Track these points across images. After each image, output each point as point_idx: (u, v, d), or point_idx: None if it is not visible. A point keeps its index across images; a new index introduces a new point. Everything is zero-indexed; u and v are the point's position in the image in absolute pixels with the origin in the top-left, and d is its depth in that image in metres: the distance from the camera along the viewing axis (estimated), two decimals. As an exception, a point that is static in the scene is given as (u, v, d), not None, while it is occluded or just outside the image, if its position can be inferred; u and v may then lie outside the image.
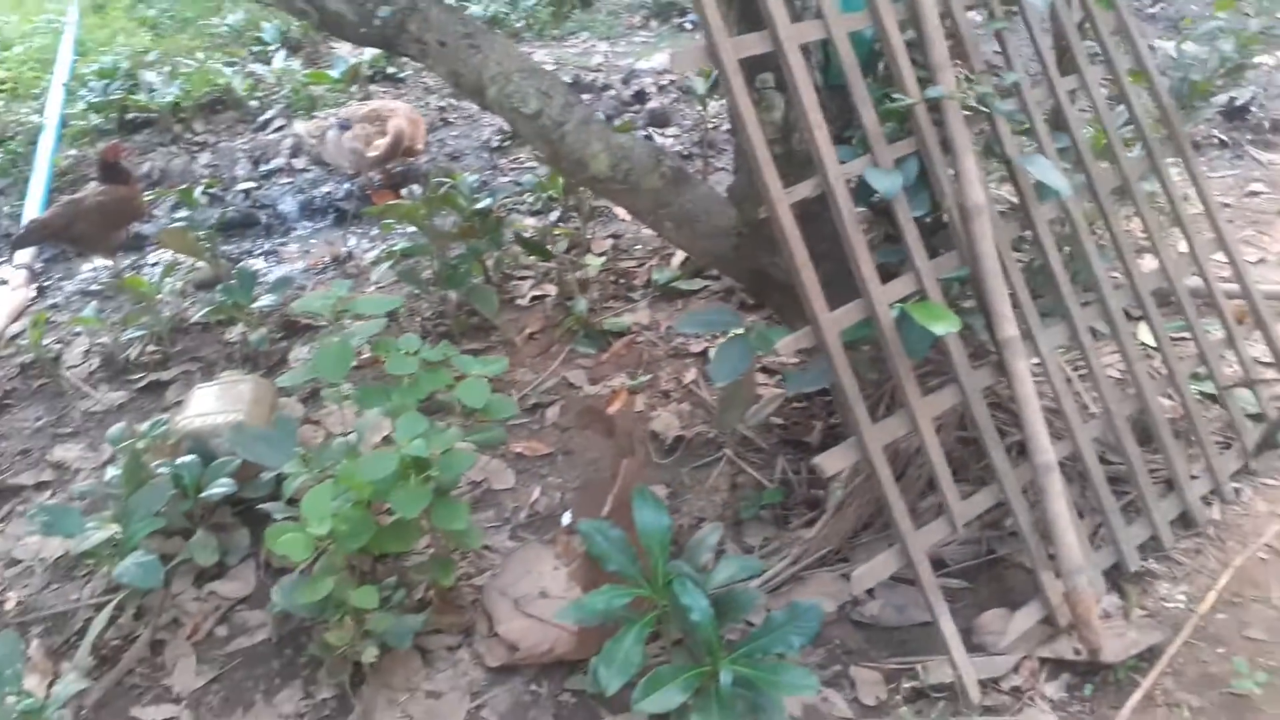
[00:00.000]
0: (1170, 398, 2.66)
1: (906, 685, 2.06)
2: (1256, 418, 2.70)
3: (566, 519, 2.52)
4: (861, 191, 2.22)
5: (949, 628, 2.02)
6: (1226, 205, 3.93)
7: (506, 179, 4.67)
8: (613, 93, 5.57)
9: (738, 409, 2.54)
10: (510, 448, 2.80)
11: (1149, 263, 2.68)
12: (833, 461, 2.06)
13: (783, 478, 2.64)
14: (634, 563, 2.02)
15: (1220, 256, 2.76)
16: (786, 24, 2.11)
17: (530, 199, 4.24)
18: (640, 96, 5.47)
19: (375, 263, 3.82)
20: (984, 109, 2.28)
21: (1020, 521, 2.15)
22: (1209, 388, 2.70)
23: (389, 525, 2.10)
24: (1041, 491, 2.09)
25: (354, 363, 2.27)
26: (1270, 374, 2.81)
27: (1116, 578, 2.27)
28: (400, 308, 2.88)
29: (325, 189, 4.86)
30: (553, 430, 2.91)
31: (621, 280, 3.68)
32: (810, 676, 1.83)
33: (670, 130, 5.14)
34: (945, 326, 2.01)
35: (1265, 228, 3.76)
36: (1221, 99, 4.93)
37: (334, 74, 5.97)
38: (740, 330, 2.27)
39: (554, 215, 4.10)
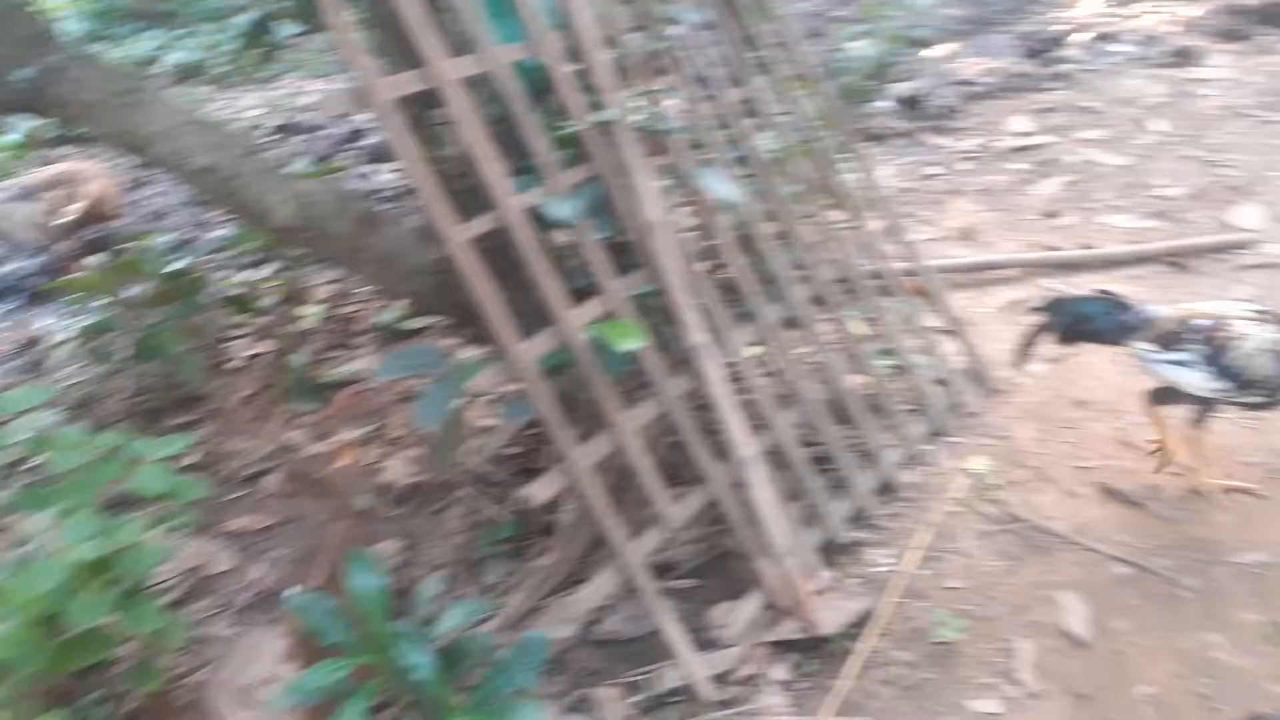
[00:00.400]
0: (865, 375, 2.88)
1: (644, 696, 2.10)
2: (941, 383, 2.97)
3: (290, 594, 2.38)
4: (545, 219, 2.24)
5: (673, 632, 2.07)
6: (908, 190, 4.31)
7: (215, 234, 4.40)
8: (326, 132, 5.39)
9: (453, 448, 2.50)
10: (224, 526, 2.62)
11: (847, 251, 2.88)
12: (542, 489, 2.07)
13: (519, 509, 2.62)
14: (351, 631, 1.93)
15: (911, 238, 3.03)
16: (443, 60, 2.09)
17: (238, 253, 4.00)
18: (356, 134, 5.32)
19: (63, 344, 3.48)
20: (653, 129, 2.36)
21: (731, 515, 2.24)
22: (901, 360, 2.94)
23: (72, 639, 1.90)
24: (746, 484, 2.20)
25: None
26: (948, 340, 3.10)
27: (830, 552, 2.42)
28: (55, 396, 2.63)
29: (10, 266, 4.40)
30: (273, 500, 2.75)
31: (345, 327, 3.55)
32: (538, 710, 1.82)
33: (391, 166, 5.02)
34: (632, 343, 2.07)
35: (940, 207, 4.15)
36: (902, 90, 5.43)
37: (12, 138, 5.42)
38: (445, 368, 2.23)
39: (268, 268, 3.90)
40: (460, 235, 2.05)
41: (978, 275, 3.58)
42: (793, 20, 2.98)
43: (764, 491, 2.19)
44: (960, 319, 3.10)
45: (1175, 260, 3.55)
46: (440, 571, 2.33)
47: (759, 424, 2.37)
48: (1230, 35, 5.77)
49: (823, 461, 2.55)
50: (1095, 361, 3.06)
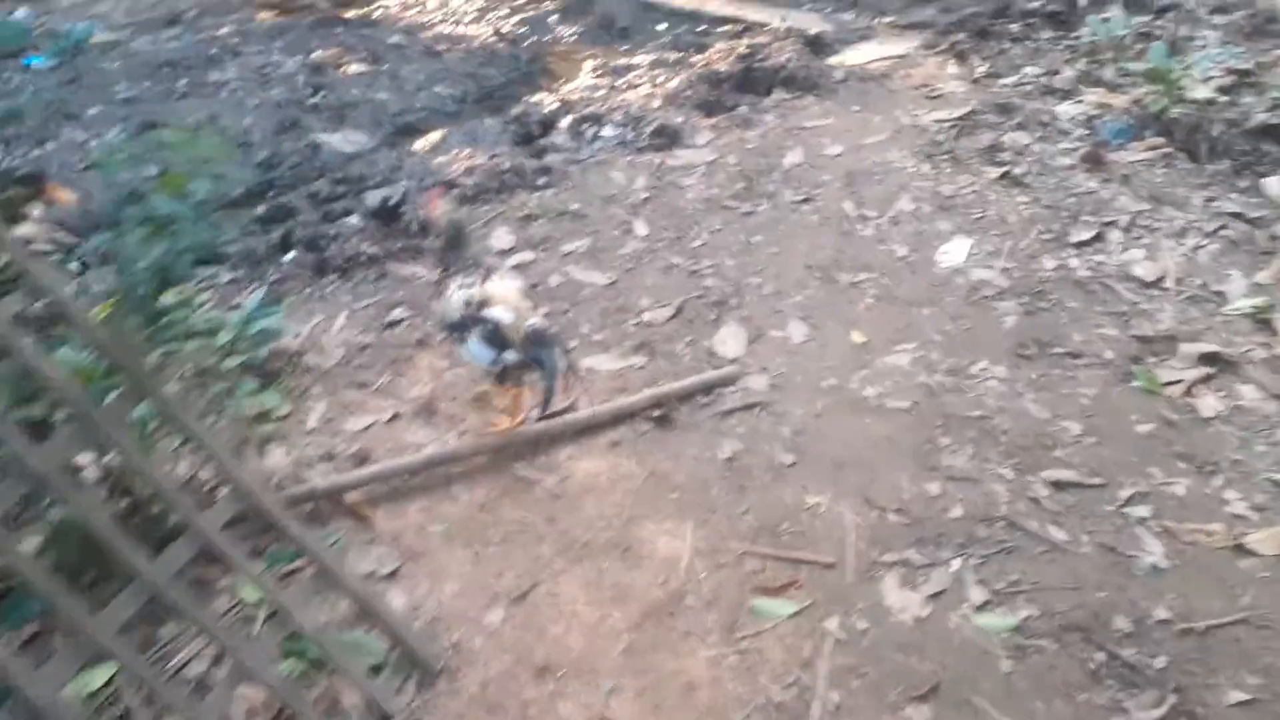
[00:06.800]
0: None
1: None
2: (377, 669, 2.19)
3: None
4: None
5: None
6: (365, 347, 3.50)
7: None
8: None
9: None
10: None
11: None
12: None
13: None
14: None
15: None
16: None
17: None
18: None
19: None
20: None
21: None
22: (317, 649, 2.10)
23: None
24: None
25: None
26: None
27: None
28: None
29: None
30: None
31: None
32: None
33: None
34: None
35: (405, 365, 3.40)
36: (374, 199, 4.61)
37: None
38: None
39: None
40: None
41: (429, 474, 2.85)
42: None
43: None
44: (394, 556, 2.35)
45: (659, 412, 3.10)
46: None
47: None
48: (710, 108, 5.57)
49: None
50: (564, 593, 2.46)
